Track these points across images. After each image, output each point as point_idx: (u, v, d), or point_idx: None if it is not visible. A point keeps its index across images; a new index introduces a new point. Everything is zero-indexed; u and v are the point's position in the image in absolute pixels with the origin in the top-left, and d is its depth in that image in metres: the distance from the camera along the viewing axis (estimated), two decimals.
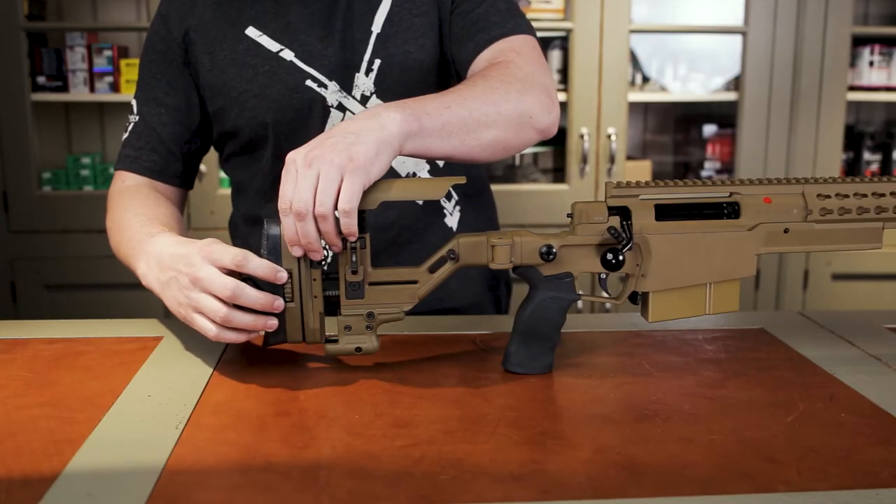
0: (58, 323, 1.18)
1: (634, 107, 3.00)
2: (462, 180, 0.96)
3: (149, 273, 1.00)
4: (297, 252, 0.91)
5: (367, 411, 0.86)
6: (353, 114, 1.19)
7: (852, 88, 2.79)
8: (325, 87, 1.19)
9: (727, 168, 2.92)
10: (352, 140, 0.89)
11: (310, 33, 1.20)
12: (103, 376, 0.96)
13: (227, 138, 1.27)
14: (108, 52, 2.62)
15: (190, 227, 2.60)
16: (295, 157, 0.89)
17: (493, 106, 1.02)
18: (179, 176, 1.27)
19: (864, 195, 0.97)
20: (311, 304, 0.94)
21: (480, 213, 1.36)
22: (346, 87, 1.20)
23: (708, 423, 0.84)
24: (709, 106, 3.05)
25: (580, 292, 0.97)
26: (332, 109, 1.20)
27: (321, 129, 1.20)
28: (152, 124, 1.24)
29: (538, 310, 0.96)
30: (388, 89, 1.20)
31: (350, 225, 0.89)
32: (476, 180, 1.35)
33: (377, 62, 1.20)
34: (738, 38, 2.72)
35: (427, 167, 1.25)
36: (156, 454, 0.76)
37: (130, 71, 2.63)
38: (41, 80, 2.62)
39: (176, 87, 1.24)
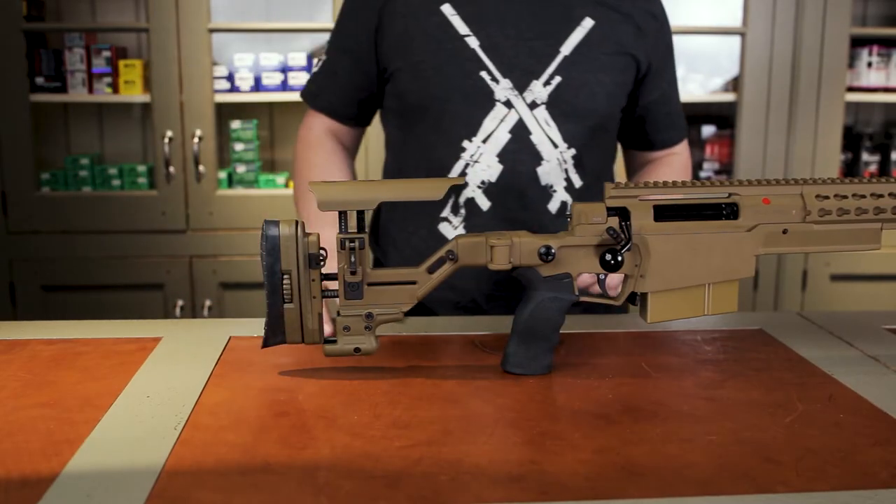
0: (57, 323, 1.18)
1: None
2: (461, 181, 0.97)
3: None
4: None
5: (366, 412, 0.86)
6: (519, 114, 1.24)
7: (851, 89, 2.79)
8: (498, 81, 1.24)
9: (726, 169, 2.93)
10: None
11: (499, 28, 1.25)
12: (102, 377, 0.96)
13: (395, 99, 1.32)
14: (106, 53, 2.62)
15: (189, 227, 2.61)
16: None
17: None
18: (353, 118, 1.37)
19: (863, 196, 0.97)
20: (309, 305, 0.94)
21: None
22: (520, 87, 1.24)
23: (707, 424, 0.84)
24: (707, 107, 3.06)
25: (578, 293, 0.97)
26: (498, 103, 1.24)
27: (483, 118, 1.25)
28: (336, 69, 1.33)
29: (537, 310, 0.96)
30: (559, 106, 1.25)
31: None
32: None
33: (557, 79, 1.25)
34: (736, 39, 2.73)
35: (563, 184, 1.29)
36: (154, 455, 0.76)
37: (129, 72, 2.63)
38: (40, 80, 2.62)
39: (366, 37, 1.29)
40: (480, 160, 1.25)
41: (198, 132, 2.57)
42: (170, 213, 2.60)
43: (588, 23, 1.26)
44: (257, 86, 2.68)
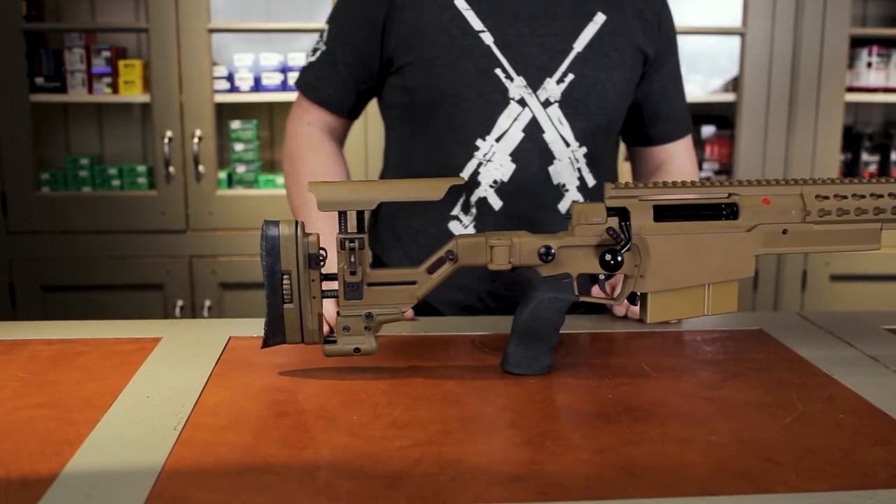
0: (56, 324, 1.18)
1: None
2: (461, 181, 0.97)
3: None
4: None
5: (366, 412, 0.86)
6: (532, 112, 1.23)
7: (850, 89, 2.79)
8: (512, 79, 1.23)
9: (725, 169, 2.92)
10: None
11: (513, 24, 1.24)
12: (102, 377, 0.96)
13: (403, 94, 1.29)
14: (106, 53, 2.62)
15: (189, 227, 2.61)
16: None
17: None
18: (350, 110, 1.35)
19: (863, 196, 0.97)
20: (309, 305, 0.94)
21: None
22: (534, 85, 1.24)
23: (706, 424, 0.84)
24: (707, 107, 3.05)
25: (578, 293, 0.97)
26: (512, 101, 1.23)
27: (497, 116, 1.24)
28: (336, 60, 1.30)
29: (537, 310, 0.96)
30: (572, 103, 1.25)
31: None
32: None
33: (570, 76, 1.24)
34: (736, 40, 2.73)
35: (576, 183, 1.28)
36: (154, 455, 0.76)
37: (129, 72, 2.63)
38: (39, 81, 2.62)
39: (370, 30, 1.27)
40: (493, 159, 1.24)
41: (198, 132, 2.56)
42: (169, 213, 2.60)
43: (600, 18, 1.25)
44: (257, 86, 2.68)
